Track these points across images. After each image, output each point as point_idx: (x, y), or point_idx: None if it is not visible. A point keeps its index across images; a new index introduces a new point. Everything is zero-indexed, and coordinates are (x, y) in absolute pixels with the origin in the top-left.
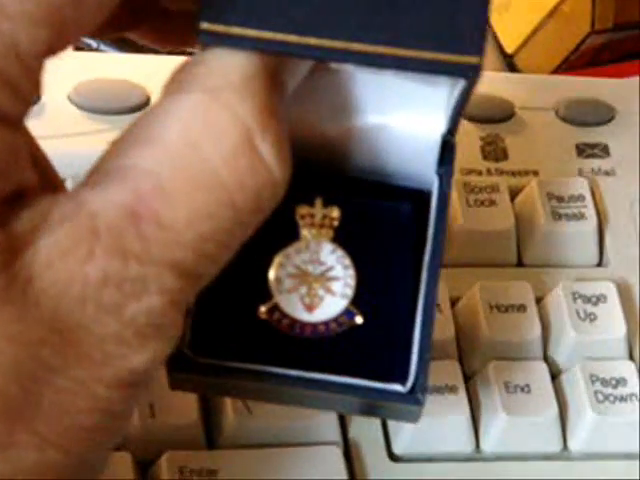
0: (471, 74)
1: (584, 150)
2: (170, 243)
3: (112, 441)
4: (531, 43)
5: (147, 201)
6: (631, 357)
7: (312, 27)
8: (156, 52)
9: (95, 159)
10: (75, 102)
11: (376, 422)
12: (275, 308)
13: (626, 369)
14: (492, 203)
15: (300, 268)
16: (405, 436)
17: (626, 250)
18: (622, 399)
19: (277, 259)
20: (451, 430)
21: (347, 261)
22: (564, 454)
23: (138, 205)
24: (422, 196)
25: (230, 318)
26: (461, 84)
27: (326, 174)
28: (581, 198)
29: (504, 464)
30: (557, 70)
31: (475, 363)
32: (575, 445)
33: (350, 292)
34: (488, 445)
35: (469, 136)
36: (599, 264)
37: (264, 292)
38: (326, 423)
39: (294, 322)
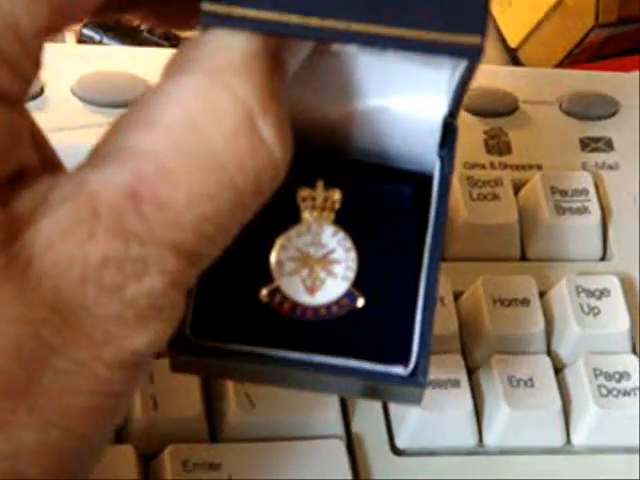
0: (473, 55)
1: (588, 144)
2: (170, 224)
3: (113, 422)
4: (535, 37)
5: (148, 182)
6: (634, 351)
7: (314, 8)
8: (159, 45)
9: None
10: (78, 95)
11: (379, 416)
12: (276, 291)
13: (629, 363)
14: (495, 197)
15: (301, 251)
16: (408, 430)
17: (630, 244)
18: (625, 393)
19: (278, 242)
20: (454, 424)
21: (348, 244)
22: (567, 448)
23: (139, 186)
24: (424, 179)
25: (232, 301)
26: (463, 65)
27: (328, 157)
28: (585, 192)
29: (507, 458)
30: (561, 64)
31: (478, 357)
32: (578, 439)
33: (351, 275)
34: (491, 439)
35: (473, 130)
36: (603, 258)
37: (265, 275)
38: (329, 417)
39: (295, 305)
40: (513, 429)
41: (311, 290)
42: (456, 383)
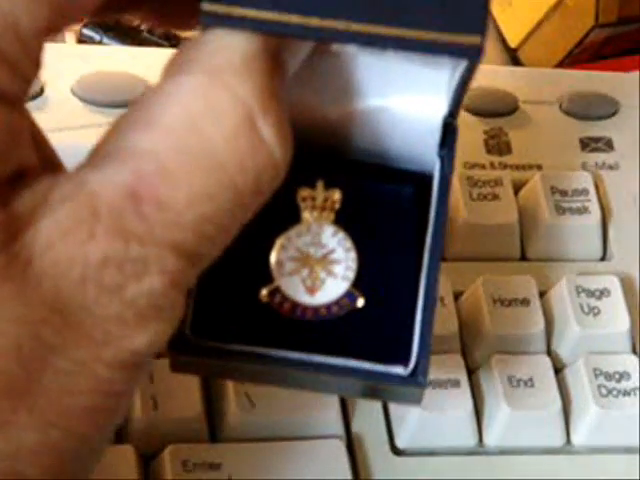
0: (473, 55)
1: (588, 144)
2: (170, 224)
3: (113, 422)
4: (535, 37)
5: (147, 182)
6: (634, 351)
7: (313, 8)
8: (159, 45)
9: None
10: (78, 95)
11: (379, 416)
12: (276, 291)
13: (629, 363)
14: (495, 197)
15: (301, 251)
16: (408, 430)
17: (630, 244)
18: (625, 393)
19: (278, 242)
20: (454, 424)
21: (348, 244)
22: (567, 448)
23: (138, 186)
24: (424, 179)
25: (231, 301)
26: (463, 65)
27: (328, 157)
28: (585, 192)
29: (507, 458)
30: (561, 64)
31: (478, 357)
32: (578, 439)
33: (351, 275)
34: (491, 439)
35: (473, 130)
36: (603, 258)
37: (265, 275)
38: (329, 417)
39: (295, 305)
40: (513, 429)
41: (311, 290)
42: (456, 383)
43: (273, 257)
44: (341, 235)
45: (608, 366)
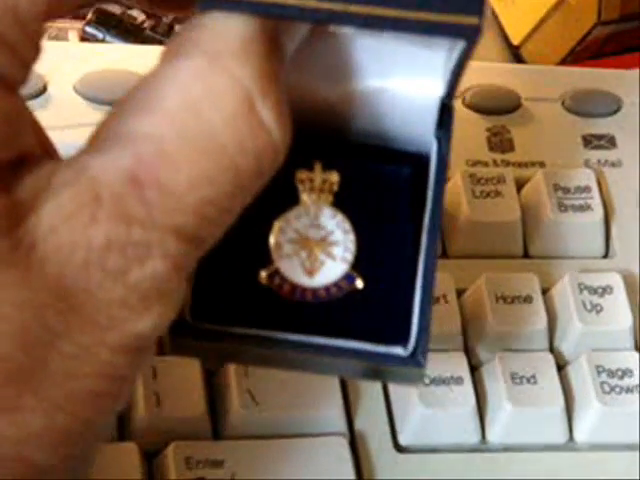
0: (471, 35)
1: (590, 141)
2: (172, 207)
3: (117, 406)
4: (537, 34)
5: (148, 166)
6: (637, 348)
7: None
8: (162, 43)
9: None
10: (81, 93)
11: (382, 413)
12: (276, 273)
13: (632, 360)
14: (498, 194)
15: (300, 233)
16: (411, 427)
17: (632, 241)
18: (628, 390)
19: (277, 224)
20: (457, 421)
21: (347, 225)
22: (570, 445)
23: (139, 170)
24: (422, 160)
25: (231, 284)
26: (460, 45)
27: (325, 139)
28: (587, 189)
29: (510, 455)
30: (563, 61)
31: (481, 354)
32: (581, 436)
33: (350, 256)
34: (494, 436)
35: (475, 127)
36: (605, 255)
37: (265, 257)
38: (332, 414)
39: (295, 287)
40: (516, 426)
41: (310, 272)
42: (459, 380)
43: (272, 239)
44: (339, 217)
45: (611, 363)
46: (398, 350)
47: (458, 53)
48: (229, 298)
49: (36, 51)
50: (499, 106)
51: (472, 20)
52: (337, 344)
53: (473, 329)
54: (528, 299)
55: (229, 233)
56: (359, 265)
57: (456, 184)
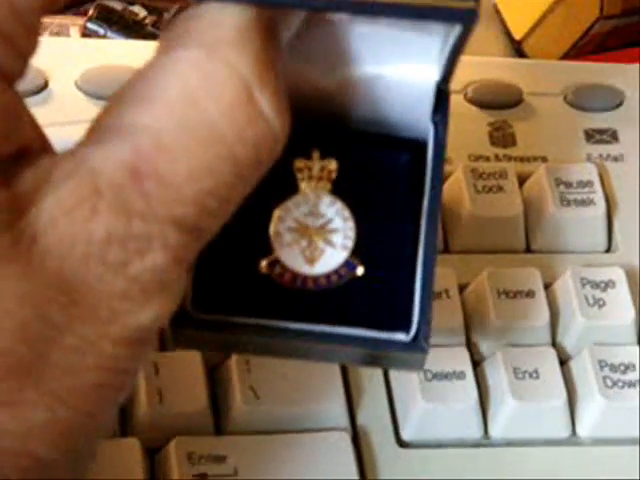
0: (468, 19)
1: (593, 136)
2: (171, 199)
3: (119, 399)
4: (539, 29)
5: (147, 157)
6: (639, 342)
7: None
8: None
9: None
10: (82, 89)
11: (384, 408)
12: (276, 262)
13: (635, 354)
14: (500, 189)
15: (300, 221)
16: (413, 422)
17: (634, 236)
18: (631, 384)
19: (276, 213)
20: (460, 416)
21: (346, 213)
22: (573, 440)
23: (139, 162)
24: (420, 146)
25: (231, 273)
26: (457, 30)
27: (323, 126)
28: (589, 184)
29: (512, 450)
30: (566, 56)
31: (483, 349)
32: (584, 431)
33: (350, 244)
34: (497, 431)
35: (477, 122)
36: (607, 250)
37: (265, 247)
38: (334, 409)
39: (295, 275)
40: (518, 421)
41: (310, 260)
42: (461, 375)
43: (272, 229)
44: (338, 204)
45: (613, 358)
46: (400, 336)
47: (454, 38)
48: (230, 288)
49: (34, 44)
50: (501, 101)
51: (468, 4)
52: (339, 331)
53: (475, 324)
54: (530, 294)
55: (229, 223)
56: (359, 252)
57: (458, 179)
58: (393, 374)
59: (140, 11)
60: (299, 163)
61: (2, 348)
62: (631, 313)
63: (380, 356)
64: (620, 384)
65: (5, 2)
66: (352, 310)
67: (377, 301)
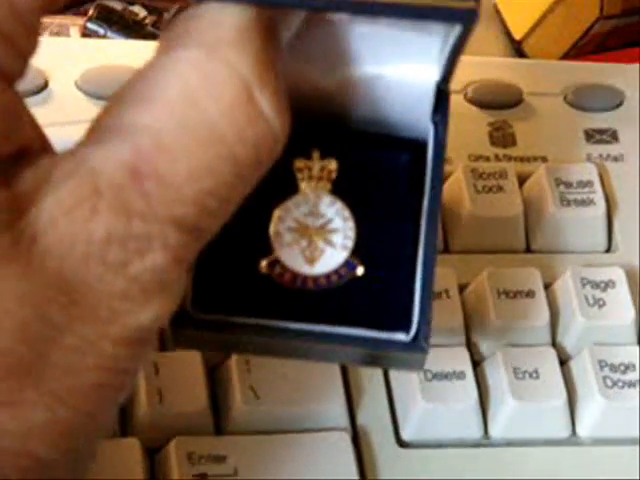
0: (468, 19)
1: (593, 136)
2: (171, 199)
3: (119, 399)
4: (540, 29)
5: (147, 158)
6: (639, 342)
7: None
8: None
9: None
10: (82, 89)
11: (384, 408)
12: (276, 262)
13: (635, 354)
14: (500, 189)
15: (299, 221)
16: (413, 422)
17: (635, 236)
18: (631, 384)
19: (276, 213)
20: (460, 416)
21: (346, 213)
22: (573, 440)
23: (139, 162)
24: (420, 146)
25: (232, 274)
26: (457, 30)
27: (323, 126)
28: (589, 184)
29: (512, 450)
30: (566, 56)
31: (483, 349)
32: (584, 431)
33: (350, 244)
34: (497, 431)
35: (477, 122)
36: (607, 250)
37: (265, 247)
38: (334, 409)
39: (295, 275)
40: (518, 421)
41: (310, 260)
42: (461, 375)
43: (272, 229)
44: (338, 204)
45: (613, 357)
46: (400, 336)
47: (454, 38)
48: (230, 288)
49: (33, 44)
50: (501, 101)
51: (468, 4)
52: (339, 331)
53: (475, 324)
54: (530, 294)
55: (229, 223)
56: (359, 252)
57: (458, 179)
58: (393, 374)
59: (140, 11)
60: (299, 163)
61: (2, 348)
62: (631, 313)
63: (380, 356)
64: (620, 384)
65: (5, 2)
66: (352, 310)
67: (377, 301)
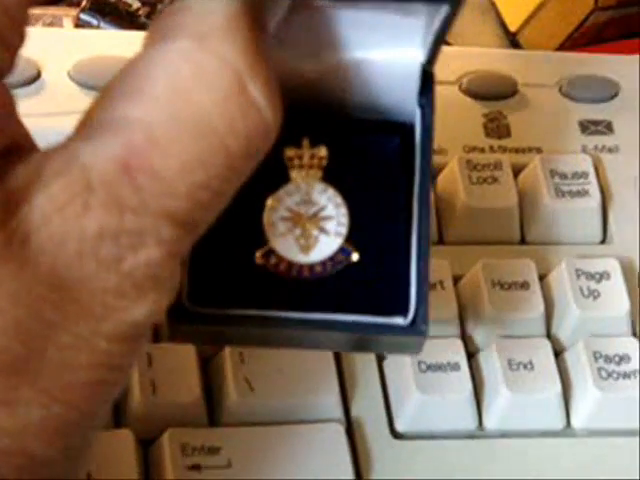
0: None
1: (588, 127)
2: (164, 193)
3: (113, 394)
4: (535, 21)
5: (139, 152)
6: (634, 334)
7: None
8: None
9: None
10: (75, 79)
11: (379, 399)
12: (271, 252)
13: (630, 346)
14: (495, 180)
15: (292, 210)
16: (408, 413)
17: (630, 227)
18: (625, 376)
19: (269, 203)
20: (454, 407)
21: (339, 199)
22: (567, 431)
23: (130, 156)
24: (409, 129)
25: (227, 266)
26: (443, 11)
27: (311, 114)
28: (584, 175)
29: (507, 441)
30: (561, 47)
31: (478, 340)
32: (578, 422)
33: (344, 230)
34: (491, 422)
35: (471, 113)
36: (602, 241)
37: (259, 237)
38: (328, 401)
39: (291, 265)
40: (513, 412)
41: (305, 249)
42: (456, 366)
43: (265, 219)
44: (330, 191)
45: (608, 349)
46: (398, 320)
47: (440, 19)
48: (226, 280)
49: (21, 38)
50: (496, 92)
51: None
52: (337, 318)
53: (470, 315)
54: (525, 285)
55: (222, 215)
56: (353, 238)
57: (452, 170)
58: (388, 366)
59: (133, 2)
60: (289, 152)
61: None
62: (626, 304)
63: (378, 341)
64: (615, 375)
65: None
66: (349, 296)
67: (373, 286)
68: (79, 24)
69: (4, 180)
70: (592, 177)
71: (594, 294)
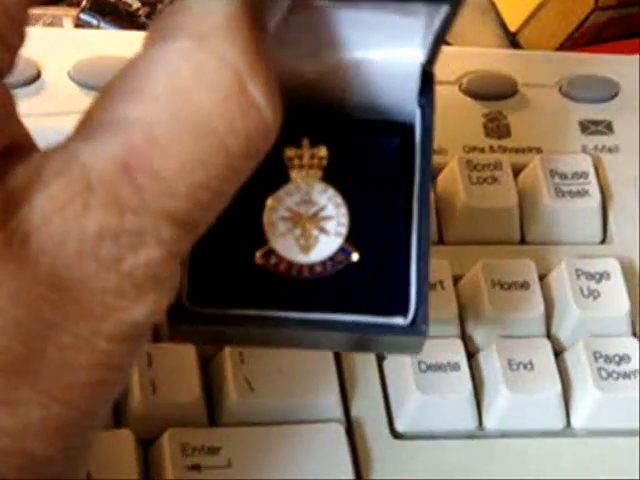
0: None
1: (588, 127)
2: (164, 193)
3: (113, 394)
4: (535, 21)
5: (139, 152)
6: (634, 334)
7: None
8: None
9: None
10: (75, 79)
11: (379, 399)
12: (271, 252)
13: (630, 346)
14: (495, 180)
15: (292, 210)
16: (408, 413)
17: (630, 227)
18: (625, 376)
19: (269, 203)
20: (454, 407)
21: (339, 199)
22: (567, 431)
23: (130, 156)
24: (409, 129)
25: (227, 266)
26: (443, 11)
27: (311, 114)
28: (584, 175)
29: (507, 441)
30: (561, 47)
31: (478, 340)
32: (578, 422)
33: (344, 230)
34: (491, 422)
35: (472, 113)
36: (602, 241)
37: (259, 237)
38: (328, 401)
39: (291, 265)
40: (513, 412)
41: (305, 249)
42: (456, 366)
43: (265, 219)
44: (330, 191)
45: (608, 349)
46: (398, 320)
47: (440, 19)
48: (226, 280)
49: (21, 38)
50: (496, 92)
51: None
52: (337, 318)
53: (470, 315)
54: (525, 285)
55: (222, 215)
56: (353, 238)
57: (452, 170)
58: (388, 366)
59: (133, 2)
60: (289, 152)
61: None
62: (626, 304)
63: (378, 341)
64: (615, 375)
65: None
66: (349, 296)
67: (374, 286)
68: (79, 24)
69: (4, 180)
70: (592, 177)
71: (594, 294)
